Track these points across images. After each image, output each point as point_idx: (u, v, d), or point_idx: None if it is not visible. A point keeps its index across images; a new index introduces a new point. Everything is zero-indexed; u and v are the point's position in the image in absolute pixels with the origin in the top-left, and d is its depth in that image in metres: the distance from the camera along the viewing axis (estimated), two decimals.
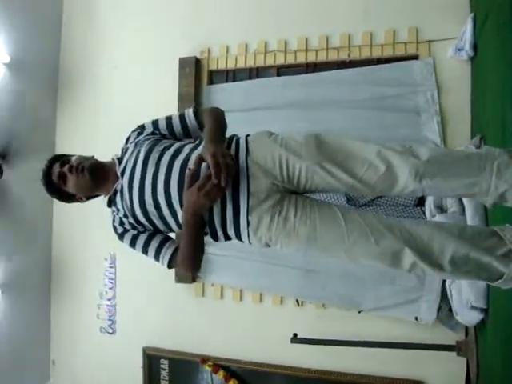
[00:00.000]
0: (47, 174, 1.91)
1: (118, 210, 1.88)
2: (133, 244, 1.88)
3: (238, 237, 1.75)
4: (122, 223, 1.89)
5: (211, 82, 4.19)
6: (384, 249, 1.62)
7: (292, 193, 1.73)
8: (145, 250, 1.87)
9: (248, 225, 1.69)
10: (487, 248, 1.60)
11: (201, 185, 1.57)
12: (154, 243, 1.85)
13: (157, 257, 1.86)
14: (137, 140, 1.90)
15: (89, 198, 2.01)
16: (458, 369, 3.27)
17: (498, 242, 1.61)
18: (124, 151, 1.93)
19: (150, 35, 4.34)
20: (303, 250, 1.73)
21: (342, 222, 1.65)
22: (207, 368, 3.88)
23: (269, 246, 1.76)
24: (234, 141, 1.76)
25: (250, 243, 1.77)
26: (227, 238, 1.79)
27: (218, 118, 1.87)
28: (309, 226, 1.65)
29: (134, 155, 1.83)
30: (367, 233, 1.63)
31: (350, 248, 1.65)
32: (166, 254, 1.84)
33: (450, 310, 3.13)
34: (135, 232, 1.87)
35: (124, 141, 1.99)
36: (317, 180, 1.68)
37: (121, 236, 1.91)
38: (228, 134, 1.85)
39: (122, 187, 1.85)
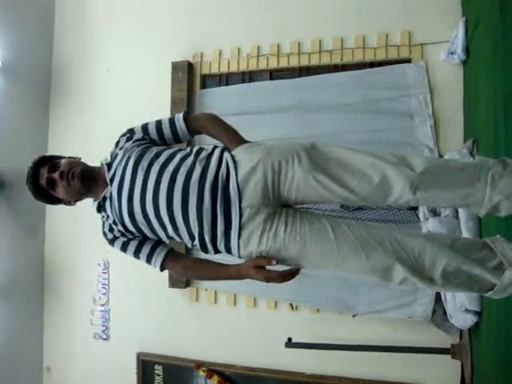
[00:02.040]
0: (34, 178, 1.85)
1: (108, 216, 1.86)
2: (124, 249, 1.88)
3: (228, 251, 1.75)
4: (111, 229, 1.87)
5: (204, 86, 4.18)
6: (374, 264, 1.62)
7: (283, 206, 1.71)
8: (136, 256, 1.87)
9: (239, 239, 1.68)
10: (478, 260, 1.60)
11: (270, 276, 1.69)
12: (145, 250, 1.85)
13: (148, 261, 1.86)
14: (126, 146, 1.87)
15: (77, 201, 1.98)
16: (452, 372, 3.27)
17: (489, 253, 1.62)
18: (113, 156, 1.89)
19: (142, 39, 4.34)
20: (293, 266, 1.72)
21: (332, 237, 1.63)
22: (201, 373, 3.86)
23: None
24: (224, 158, 1.72)
25: (239, 257, 1.76)
26: (217, 251, 1.79)
27: (220, 121, 1.88)
28: (299, 242, 1.64)
29: (124, 162, 1.80)
30: (357, 248, 1.62)
31: (341, 263, 1.65)
32: (158, 259, 1.84)
33: (445, 313, 3.13)
34: (125, 239, 1.86)
35: (114, 144, 1.97)
36: (309, 192, 1.67)
37: (111, 242, 1.90)
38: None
39: (111, 194, 1.82)
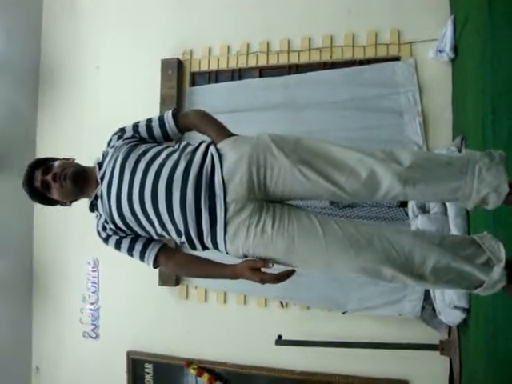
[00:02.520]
0: (29, 181, 1.89)
1: (100, 215, 1.88)
2: (118, 247, 1.88)
3: (216, 246, 1.75)
4: (104, 228, 1.88)
5: (193, 83, 4.17)
6: (364, 262, 1.61)
7: (270, 201, 1.71)
8: (130, 254, 1.87)
9: (225, 235, 1.67)
10: (467, 257, 1.61)
11: (265, 279, 1.69)
12: (138, 247, 1.85)
13: (142, 259, 1.87)
14: (116, 144, 1.88)
15: (73, 201, 1.99)
16: (441, 368, 3.30)
17: (477, 250, 1.63)
18: (105, 155, 1.91)
19: (132, 36, 4.31)
20: (282, 262, 1.71)
21: (321, 233, 1.63)
22: (192, 371, 3.86)
23: (246, 256, 1.73)
24: (209, 151, 1.72)
25: (227, 253, 1.75)
26: (204, 247, 1.79)
27: (209, 117, 1.88)
28: (286, 239, 1.63)
29: (113, 161, 1.81)
30: (346, 246, 1.61)
31: (330, 261, 1.64)
32: (150, 255, 1.85)
33: (434, 309, 3.15)
34: (118, 237, 1.87)
35: (106, 143, 1.97)
36: (296, 186, 1.66)
37: (105, 240, 1.90)
38: None
39: (101, 193, 1.83)
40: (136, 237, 1.86)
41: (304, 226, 1.64)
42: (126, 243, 1.86)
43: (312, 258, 1.65)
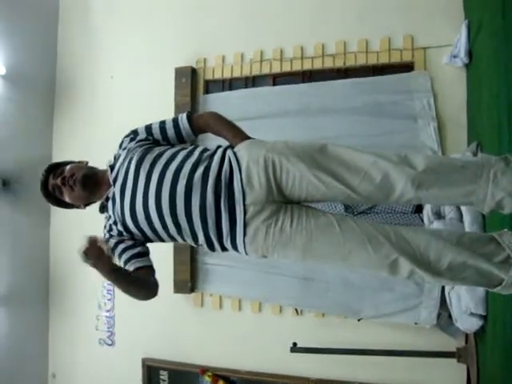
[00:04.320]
0: (45, 185, 1.93)
1: (110, 216, 1.89)
2: (113, 250, 1.89)
3: (235, 248, 1.75)
4: (110, 229, 1.90)
5: (207, 91, 4.19)
6: (381, 257, 1.62)
7: (287, 202, 1.72)
8: (119, 257, 1.89)
9: (244, 236, 1.68)
10: (485, 254, 1.59)
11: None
12: (125, 256, 1.86)
13: (125, 267, 1.88)
14: (129, 146, 1.89)
15: (87, 204, 2.01)
16: (458, 375, 3.26)
17: (496, 248, 1.61)
18: (116, 157, 1.92)
19: (146, 45, 4.36)
20: (300, 260, 1.73)
21: (338, 230, 1.64)
22: (207, 379, 3.85)
23: (265, 257, 1.75)
24: (226, 155, 1.73)
25: (246, 254, 1.76)
26: (224, 249, 1.79)
27: (223, 118, 1.92)
28: (305, 236, 1.65)
29: (126, 163, 1.82)
30: (364, 241, 1.62)
31: (347, 257, 1.65)
32: (131, 268, 1.85)
33: (450, 316, 3.12)
34: (116, 240, 1.87)
35: (118, 146, 1.99)
36: (311, 191, 1.67)
37: (106, 241, 1.91)
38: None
39: (113, 195, 1.85)
40: (133, 245, 1.87)
41: (322, 223, 1.66)
42: (119, 248, 1.87)
43: (330, 255, 1.67)
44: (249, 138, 1.83)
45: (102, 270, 1.69)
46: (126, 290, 1.82)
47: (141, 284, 1.85)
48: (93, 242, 1.63)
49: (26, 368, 4.28)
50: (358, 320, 3.48)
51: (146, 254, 1.90)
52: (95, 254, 1.63)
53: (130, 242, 1.87)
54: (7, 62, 4.12)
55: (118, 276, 1.77)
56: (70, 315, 4.49)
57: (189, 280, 3.94)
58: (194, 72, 4.12)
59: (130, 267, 1.85)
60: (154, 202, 1.72)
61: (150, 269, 1.89)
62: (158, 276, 1.91)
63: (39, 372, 4.50)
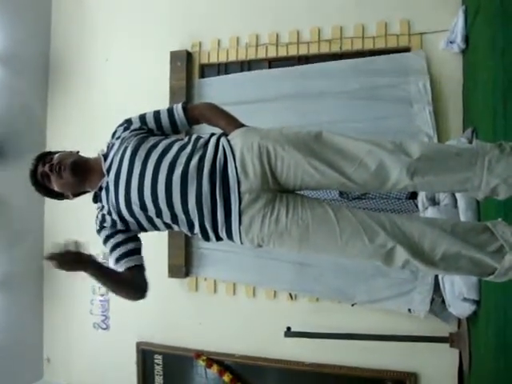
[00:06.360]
0: (34, 174, 1.91)
1: (103, 206, 1.88)
2: (105, 242, 1.90)
3: (230, 237, 1.75)
4: (103, 220, 1.88)
5: (203, 75, 4.16)
6: (377, 247, 1.62)
7: (283, 191, 1.72)
8: (111, 253, 1.89)
9: (240, 225, 1.68)
10: (479, 244, 1.60)
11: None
12: (116, 253, 1.86)
13: (116, 264, 1.88)
14: (123, 135, 1.88)
15: (76, 195, 1.99)
16: (450, 360, 3.30)
17: (490, 237, 1.62)
18: (110, 146, 1.91)
19: (141, 28, 4.32)
20: (296, 251, 1.73)
21: (334, 220, 1.64)
22: (201, 363, 3.87)
23: (261, 246, 1.75)
24: (220, 143, 1.73)
25: (241, 243, 1.76)
26: (218, 238, 1.79)
27: (218, 108, 1.90)
28: (301, 226, 1.65)
29: (121, 152, 1.81)
30: (360, 231, 1.62)
31: (344, 247, 1.65)
32: (121, 267, 1.86)
33: (443, 301, 3.14)
34: (109, 232, 1.87)
35: (111, 135, 1.97)
36: (306, 178, 1.67)
37: (98, 231, 1.92)
38: None
39: (107, 184, 1.83)
40: (127, 239, 1.87)
41: (318, 213, 1.66)
42: (112, 242, 1.87)
43: (326, 245, 1.67)
44: (243, 125, 1.82)
45: (84, 272, 1.73)
46: (112, 291, 1.87)
47: (127, 287, 1.88)
48: (65, 250, 1.67)
49: (21, 352, 4.29)
50: (352, 305, 3.50)
51: (137, 250, 1.89)
52: (68, 260, 1.69)
53: (122, 237, 1.86)
54: (0, 45, 4.07)
55: (100, 279, 1.81)
56: (64, 299, 4.49)
57: (183, 264, 3.95)
58: (189, 56, 4.08)
59: (121, 267, 1.85)
60: (150, 190, 1.71)
61: (140, 268, 1.89)
62: (152, 260, 1.91)
63: (34, 356, 4.52)
